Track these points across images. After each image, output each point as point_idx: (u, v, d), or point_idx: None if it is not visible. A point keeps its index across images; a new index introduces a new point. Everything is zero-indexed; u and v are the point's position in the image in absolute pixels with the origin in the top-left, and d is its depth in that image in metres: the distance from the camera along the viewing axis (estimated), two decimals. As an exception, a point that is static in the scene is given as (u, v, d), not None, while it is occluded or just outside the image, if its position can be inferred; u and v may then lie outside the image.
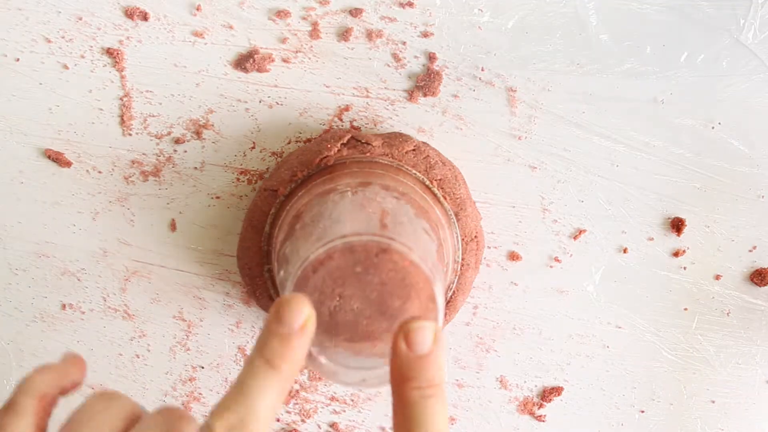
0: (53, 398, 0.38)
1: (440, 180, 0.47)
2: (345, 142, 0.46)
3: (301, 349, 0.32)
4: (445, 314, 0.48)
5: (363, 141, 0.46)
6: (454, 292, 0.48)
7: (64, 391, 0.38)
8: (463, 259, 0.47)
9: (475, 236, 0.48)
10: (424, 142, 0.47)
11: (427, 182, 0.47)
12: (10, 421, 0.35)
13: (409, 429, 0.32)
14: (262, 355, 0.32)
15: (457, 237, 0.48)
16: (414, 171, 0.47)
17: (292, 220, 0.44)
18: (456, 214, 0.47)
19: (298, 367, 0.32)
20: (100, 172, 0.49)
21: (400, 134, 0.47)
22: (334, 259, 0.38)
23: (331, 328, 0.39)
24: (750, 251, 0.49)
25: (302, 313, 0.32)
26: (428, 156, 0.47)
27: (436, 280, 0.37)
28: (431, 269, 0.37)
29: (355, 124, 0.48)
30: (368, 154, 0.46)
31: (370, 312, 0.39)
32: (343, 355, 0.38)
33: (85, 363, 0.40)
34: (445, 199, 0.47)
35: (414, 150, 0.46)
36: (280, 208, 0.47)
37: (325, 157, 0.46)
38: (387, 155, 0.46)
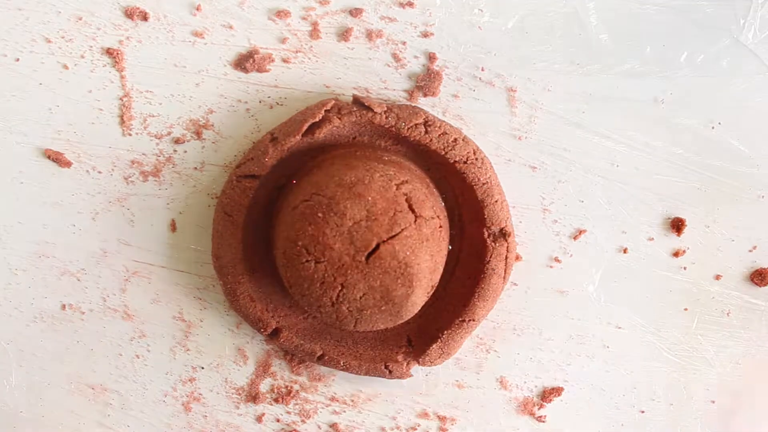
0: None
1: (464, 162, 0.44)
2: (329, 108, 0.45)
3: None
4: (466, 321, 0.48)
5: (366, 104, 0.45)
6: (475, 299, 0.47)
7: None
8: (489, 263, 0.46)
9: (505, 231, 0.46)
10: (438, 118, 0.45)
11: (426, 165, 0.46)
12: None
13: None
14: None
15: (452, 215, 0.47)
16: (408, 162, 0.46)
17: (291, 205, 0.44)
18: (482, 201, 0.46)
19: None
20: (100, 172, 0.49)
21: (409, 106, 0.46)
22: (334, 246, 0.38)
23: (334, 311, 0.39)
24: (750, 251, 0.49)
25: None
26: (446, 132, 0.44)
27: (436, 257, 0.38)
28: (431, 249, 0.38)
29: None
30: (367, 120, 0.45)
31: (373, 297, 0.39)
32: None
33: None
34: (472, 184, 0.45)
35: (425, 124, 0.44)
36: (279, 195, 0.47)
37: (314, 124, 0.44)
38: (390, 128, 0.45)
